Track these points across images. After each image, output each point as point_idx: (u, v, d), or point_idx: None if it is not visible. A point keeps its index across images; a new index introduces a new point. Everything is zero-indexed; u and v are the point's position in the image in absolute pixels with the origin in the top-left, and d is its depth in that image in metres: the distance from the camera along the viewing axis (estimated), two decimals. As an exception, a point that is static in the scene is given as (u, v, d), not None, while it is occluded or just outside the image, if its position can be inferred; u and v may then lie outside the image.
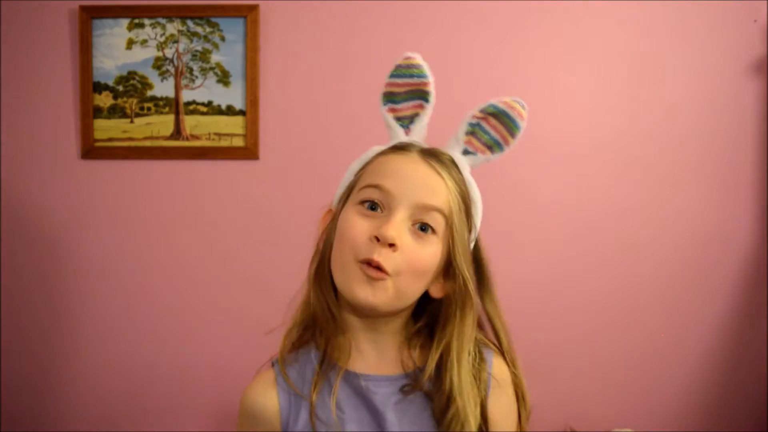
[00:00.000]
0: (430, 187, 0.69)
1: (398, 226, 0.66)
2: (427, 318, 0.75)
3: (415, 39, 1.39)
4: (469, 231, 0.72)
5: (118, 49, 1.40)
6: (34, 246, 1.43)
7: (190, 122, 1.40)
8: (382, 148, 0.75)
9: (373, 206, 0.69)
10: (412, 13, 1.38)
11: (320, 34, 1.39)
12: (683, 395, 1.40)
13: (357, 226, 0.68)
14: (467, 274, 0.70)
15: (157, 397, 1.44)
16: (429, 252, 0.68)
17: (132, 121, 1.41)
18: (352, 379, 0.72)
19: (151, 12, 1.39)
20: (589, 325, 1.41)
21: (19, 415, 1.45)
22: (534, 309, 1.38)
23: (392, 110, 0.77)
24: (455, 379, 0.69)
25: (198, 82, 1.40)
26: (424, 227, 0.68)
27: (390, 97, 0.76)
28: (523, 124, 0.73)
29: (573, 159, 1.38)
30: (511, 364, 0.75)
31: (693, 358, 1.40)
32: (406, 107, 0.76)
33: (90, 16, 1.39)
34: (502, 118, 0.74)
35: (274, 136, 1.40)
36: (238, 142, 1.40)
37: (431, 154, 0.71)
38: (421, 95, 0.76)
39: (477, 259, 0.74)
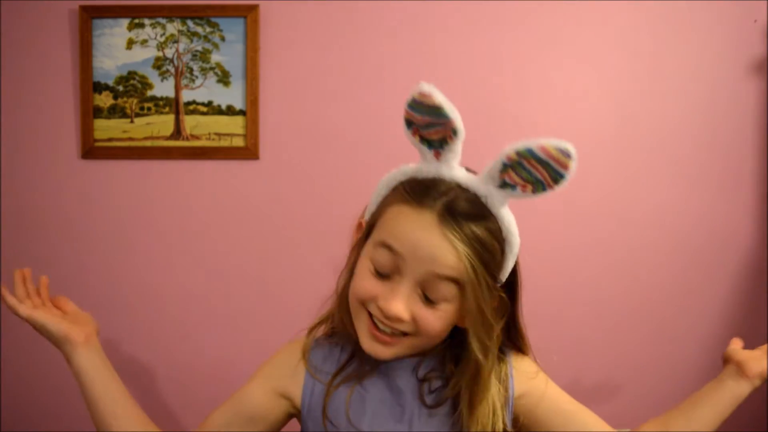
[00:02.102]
0: (443, 259, 0.65)
1: (404, 301, 0.66)
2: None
3: (416, 39, 1.39)
4: (498, 273, 0.70)
5: (118, 49, 1.40)
6: (34, 246, 1.43)
7: (190, 122, 1.40)
8: (410, 172, 0.72)
9: (381, 273, 0.68)
10: (413, 13, 1.38)
11: (320, 33, 1.39)
12: (683, 395, 1.40)
13: (366, 283, 0.69)
14: (480, 355, 0.69)
15: (159, 396, 1.44)
16: (439, 315, 0.68)
17: (132, 121, 1.41)
18: (379, 363, 0.74)
19: (151, 12, 1.39)
20: (587, 324, 1.41)
21: (19, 415, 1.45)
22: (532, 307, 1.37)
23: (417, 132, 0.70)
24: (466, 409, 0.71)
25: (198, 82, 1.40)
26: (430, 301, 0.67)
27: (412, 123, 0.70)
28: (568, 174, 0.63)
29: (573, 159, 1.38)
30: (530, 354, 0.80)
31: (693, 358, 1.40)
32: (432, 132, 0.68)
33: (90, 16, 1.39)
34: (543, 165, 0.64)
35: (274, 136, 1.40)
36: (238, 142, 1.40)
37: (451, 214, 0.65)
38: (442, 122, 0.67)
39: (512, 277, 0.73)
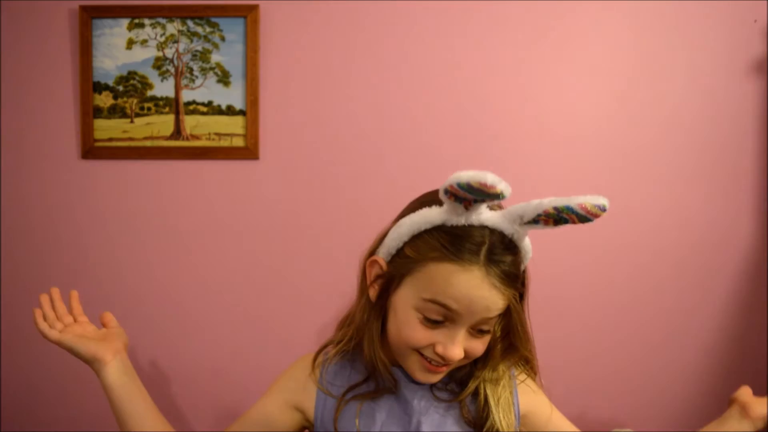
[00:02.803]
0: (493, 305, 0.71)
1: (462, 343, 0.73)
2: None
3: (416, 39, 1.39)
4: (521, 293, 0.78)
5: (118, 49, 1.40)
6: (34, 246, 1.43)
7: (190, 122, 1.40)
8: (436, 220, 0.71)
9: (436, 322, 0.72)
10: (413, 13, 1.38)
11: (321, 34, 1.39)
12: (683, 395, 1.40)
13: (419, 334, 0.73)
14: (530, 353, 0.80)
15: (157, 397, 1.43)
16: (484, 341, 0.76)
17: (132, 121, 1.41)
18: (393, 384, 0.80)
19: (151, 12, 1.39)
20: (587, 326, 1.41)
21: (19, 415, 1.45)
22: (532, 309, 1.38)
23: (452, 197, 0.68)
24: (492, 402, 0.78)
25: (198, 82, 1.40)
26: (482, 331, 0.74)
27: (453, 195, 0.67)
28: (595, 219, 0.68)
29: (571, 158, 1.38)
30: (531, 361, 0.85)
31: (693, 359, 1.40)
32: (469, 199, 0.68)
33: (90, 16, 1.39)
34: (579, 215, 0.67)
35: (274, 136, 1.40)
36: (238, 142, 1.40)
37: (494, 263, 0.70)
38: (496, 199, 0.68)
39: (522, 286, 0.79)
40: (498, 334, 0.79)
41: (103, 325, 0.88)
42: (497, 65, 1.38)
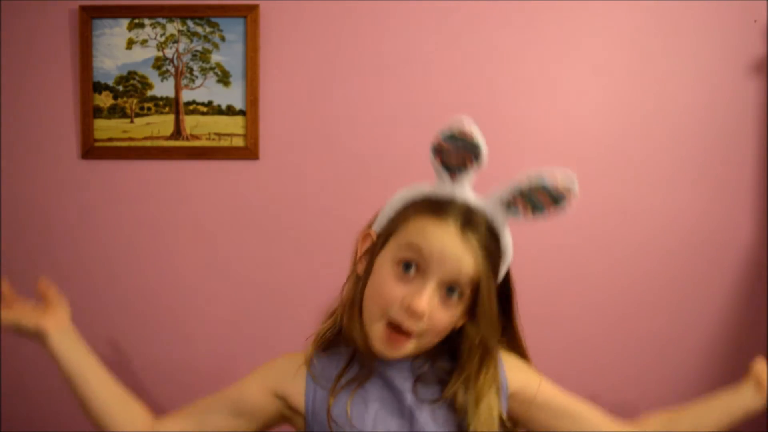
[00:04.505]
0: (465, 263, 0.73)
1: (430, 299, 0.72)
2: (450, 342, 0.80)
3: (416, 39, 1.39)
4: (495, 277, 0.77)
5: (118, 49, 1.40)
6: (34, 246, 1.43)
7: (190, 122, 1.40)
8: (425, 190, 0.77)
9: (408, 267, 0.73)
10: (413, 12, 1.38)
11: (321, 33, 1.39)
12: (683, 394, 1.40)
13: (392, 289, 0.73)
14: (490, 342, 0.77)
15: (158, 396, 1.44)
16: (451, 314, 0.75)
17: (132, 121, 1.41)
18: (376, 365, 0.79)
19: (151, 12, 1.39)
20: (587, 325, 1.41)
21: (19, 415, 1.45)
22: (531, 308, 1.37)
23: (439, 157, 0.76)
24: (472, 405, 0.76)
25: (198, 82, 1.40)
26: (451, 292, 0.74)
27: (439, 150, 0.76)
28: (569, 205, 0.75)
29: (571, 159, 1.38)
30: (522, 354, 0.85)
31: (692, 358, 1.40)
32: (455, 156, 0.75)
33: (90, 16, 1.39)
34: (554, 198, 0.74)
35: (274, 136, 1.40)
36: (238, 142, 1.40)
37: (469, 224, 0.74)
38: (474, 155, 0.74)
39: (505, 284, 0.81)
40: (473, 338, 0.78)
41: (42, 295, 0.86)
42: (498, 66, 1.38)
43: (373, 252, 0.78)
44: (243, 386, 0.83)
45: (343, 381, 0.79)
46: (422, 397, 0.78)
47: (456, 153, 0.74)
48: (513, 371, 0.82)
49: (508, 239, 0.78)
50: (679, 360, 1.40)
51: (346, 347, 0.81)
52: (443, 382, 0.79)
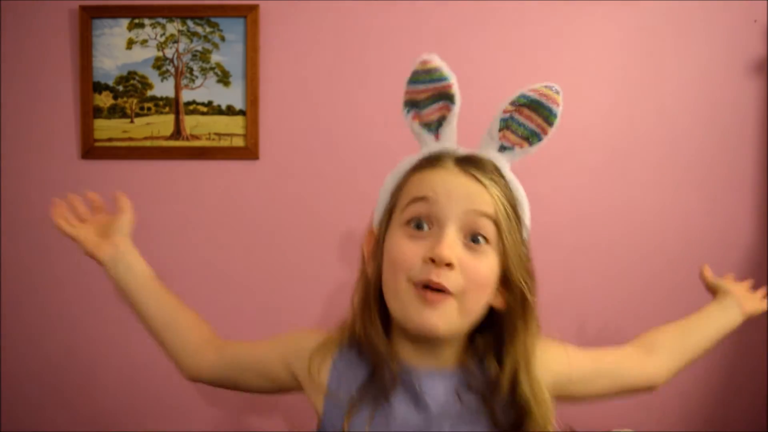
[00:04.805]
0: (476, 196, 0.66)
1: (452, 244, 0.64)
2: (489, 329, 0.71)
3: (416, 39, 1.39)
4: (521, 233, 0.69)
5: (118, 49, 1.40)
6: (34, 246, 1.43)
7: (190, 122, 1.40)
8: (414, 159, 0.73)
9: (419, 224, 0.66)
10: (413, 12, 1.38)
11: (320, 33, 1.39)
12: (683, 395, 1.40)
13: (407, 249, 0.66)
14: (524, 284, 0.68)
15: (158, 396, 1.44)
16: (486, 263, 0.66)
17: (132, 121, 1.41)
18: (402, 374, 0.70)
19: (151, 12, 1.39)
20: (589, 326, 1.41)
21: (19, 415, 1.45)
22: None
23: (416, 117, 0.74)
24: (527, 390, 0.68)
25: (198, 82, 1.40)
26: (476, 238, 0.66)
27: (412, 104, 0.74)
28: (559, 110, 0.70)
29: (571, 159, 1.38)
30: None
31: (693, 358, 1.40)
32: (431, 111, 0.73)
33: (90, 16, 1.39)
34: (536, 107, 0.70)
35: (274, 136, 1.40)
36: (238, 142, 1.40)
37: (469, 162, 0.69)
38: (446, 97, 0.72)
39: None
40: (510, 300, 0.68)
41: (118, 209, 0.93)
42: (499, 65, 1.38)
43: (378, 243, 0.71)
44: (265, 350, 0.81)
45: (363, 396, 0.70)
46: (459, 418, 0.68)
47: (428, 97, 0.71)
48: (546, 367, 0.73)
49: (517, 184, 0.71)
50: (679, 360, 1.40)
51: (367, 358, 0.72)
52: (486, 387, 0.69)
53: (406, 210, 0.68)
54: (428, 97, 0.72)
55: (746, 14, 1.36)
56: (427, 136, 0.73)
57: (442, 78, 0.71)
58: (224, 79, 1.39)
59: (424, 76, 0.72)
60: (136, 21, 1.39)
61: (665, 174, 1.38)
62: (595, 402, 0.81)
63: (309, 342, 0.77)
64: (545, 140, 0.71)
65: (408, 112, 0.74)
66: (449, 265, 0.63)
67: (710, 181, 1.38)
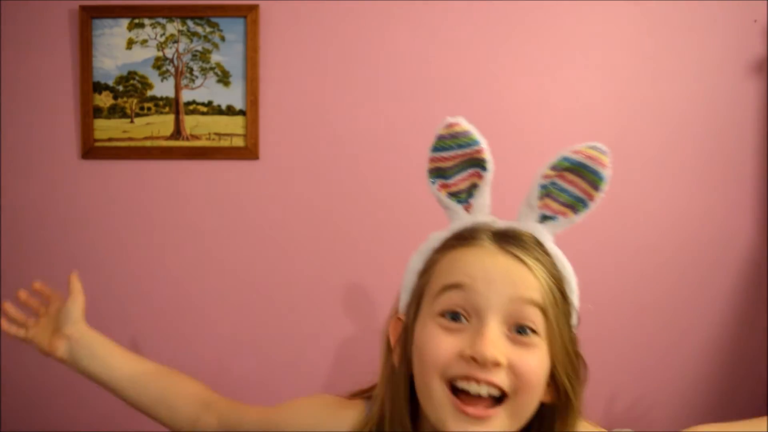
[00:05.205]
0: (520, 281, 0.58)
1: (496, 340, 0.56)
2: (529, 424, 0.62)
3: (416, 40, 1.39)
4: (568, 319, 0.63)
5: (118, 49, 1.40)
6: (34, 246, 1.43)
7: (190, 122, 1.40)
8: (443, 234, 0.65)
9: (455, 316, 0.58)
10: (413, 12, 1.38)
11: (321, 33, 1.39)
12: (683, 395, 1.40)
13: (442, 343, 0.57)
14: (569, 384, 0.61)
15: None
16: (537, 358, 0.58)
17: (132, 121, 1.41)
18: None
19: (151, 12, 1.39)
20: (587, 325, 1.40)
21: (19, 415, 1.45)
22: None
23: (444, 186, 0.65)
24: None
25: (198, 82, 1.40)
26: (522, 329, 0.58)
27: (438, 173, 0.65)
28: (607, 173, 0.61)
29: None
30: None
31: (692, 358, 1.40)
32: (460, 179, 0.65)
33: (90, 16, 1.39)
34: (581, 171, 0.61)
35: (274, 136, 1.40)
36: (238, 142, 1.40)
37: (508, 238, 0.60)
38: (476, 163, 0.63)
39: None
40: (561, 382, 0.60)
41: (69, 292, 0.87)
42: (498, 65, 1.38)
43: (407, 332, 0.63)
44: (283, 413, 0.73)
45: None
46: None
47: (457, 164, 0.63)
48: None
49: (562, 257, 0.64)
50: (680, 360, 1.40)
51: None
52: None
53: (439, 299, 0.59)
54: (456, 164, 0.64)
55: (746, 14, 1.36)
56: (458, 208, 0.65)
57: (471, 143, 0.63)
58: (224, 79, 1.39)
59: (450, 141, 0.63)
60: (136, 21, 1.39)
61: (664, 173, 1.38)
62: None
63: (333, 420, 0.70)
64: (593, 206, 0.62)
65: (434, 181, 0.65)
66: (497, 364, 0.55)
67: (710, 181, 1.38)
